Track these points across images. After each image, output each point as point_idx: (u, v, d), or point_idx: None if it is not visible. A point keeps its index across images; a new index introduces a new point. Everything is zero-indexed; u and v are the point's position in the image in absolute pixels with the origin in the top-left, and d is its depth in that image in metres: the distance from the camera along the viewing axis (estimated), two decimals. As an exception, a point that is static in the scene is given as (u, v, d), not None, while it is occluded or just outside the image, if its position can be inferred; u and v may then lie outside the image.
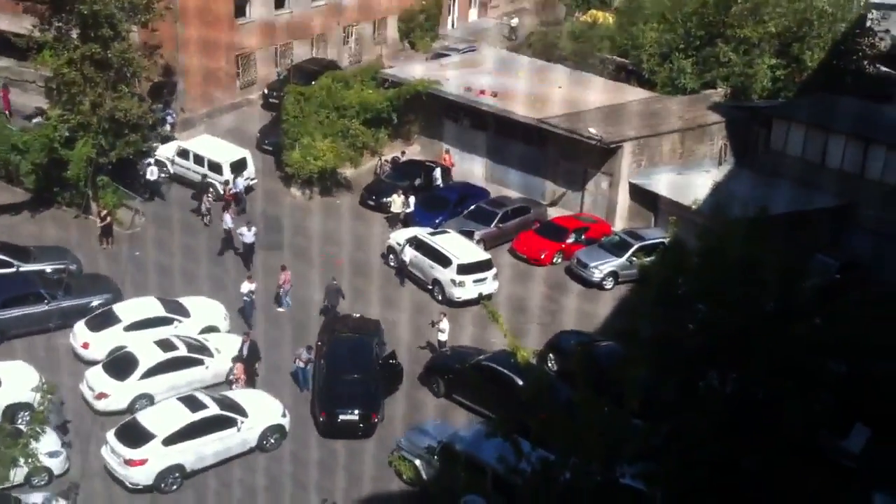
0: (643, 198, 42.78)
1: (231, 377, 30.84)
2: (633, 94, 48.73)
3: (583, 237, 40.92)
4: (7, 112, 46.25)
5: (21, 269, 34.95)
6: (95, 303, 33.84)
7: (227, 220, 39.45)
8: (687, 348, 23.60)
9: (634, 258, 37.16)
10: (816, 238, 39.16)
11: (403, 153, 47.38)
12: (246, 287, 34.47)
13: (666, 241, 33.20)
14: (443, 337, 33.76)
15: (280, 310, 35.56)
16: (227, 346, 32.04)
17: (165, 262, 37.88)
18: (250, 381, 31.12)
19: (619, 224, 42.59)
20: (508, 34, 63.91)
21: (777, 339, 22.97)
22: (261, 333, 33.97)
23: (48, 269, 35.36)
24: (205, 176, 42.64)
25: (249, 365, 31.18)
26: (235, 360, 30.84)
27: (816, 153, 42.54)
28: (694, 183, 41.83)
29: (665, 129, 44.00)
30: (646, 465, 20.36)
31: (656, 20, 54.48)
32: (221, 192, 42.01)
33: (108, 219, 39.06)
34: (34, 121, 44.88)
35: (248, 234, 37.96)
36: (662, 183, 42.43)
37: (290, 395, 31.30)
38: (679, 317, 24.53)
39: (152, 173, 42.56)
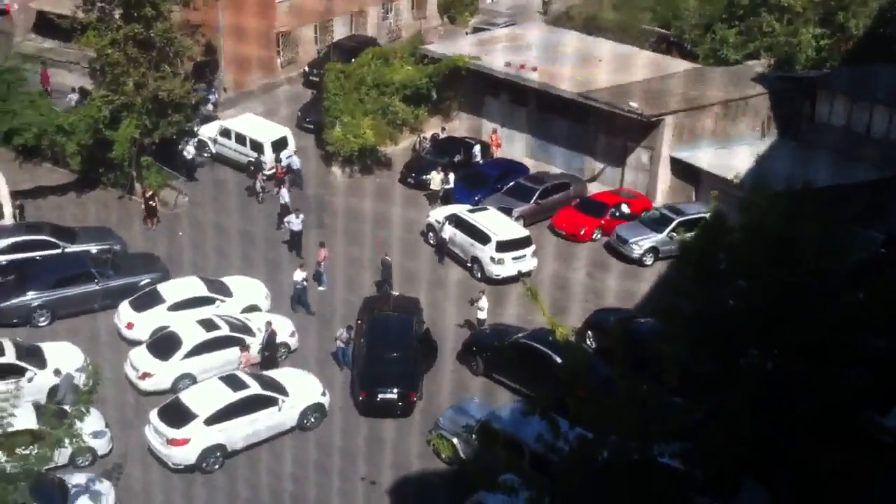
0: (684, 172, 42.33)
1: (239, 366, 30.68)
2: (675, 66, 48.05)
3: (618, 215, 40.58)
4: (47, 89, 46.90)
5: (66, 249, 35.50)
6: (145, 282, 34.29)
7: (284, 194, 39.93)
8: (726, 325, 23.43)
9: (675, 234, 36.80)
10: (861, 211, 38.50)
11: (443, 129, 47.29)
12: (299, 275, 34.27)
13: (707, 216, 32.90)
14: (482, 315, 33.78)
15: (320, 288, 35.74)
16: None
17: (208, 242, 38.27)
18: (269, 368, 31.17)
19: (660, 199, 42.22)
20: (542, 9, 63.01)
21: (817, 315, 22.74)
22: (300, 313, 34.30)
23: (93, 249, 35.91)
24: (257, 156, 42.91)
25: (269, 353, 31.21)
26: (243, 348, 30.64)
27: (861, 124, 41.81)
28: (736, 156, 41.29)
29: (707, 103, 43.41)
30: (684, 444, 20.25)
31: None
32: (272, 169, 42.42)
33: (154, 199, 39.50)
34: (68, 97, 45.45)
35: (295, 222, 37.69)
36: (704, 157, 41.96)
37: (331, 375, 31.52)
38: (719, 293, 24.35)
39: (189, 153, 42.90)
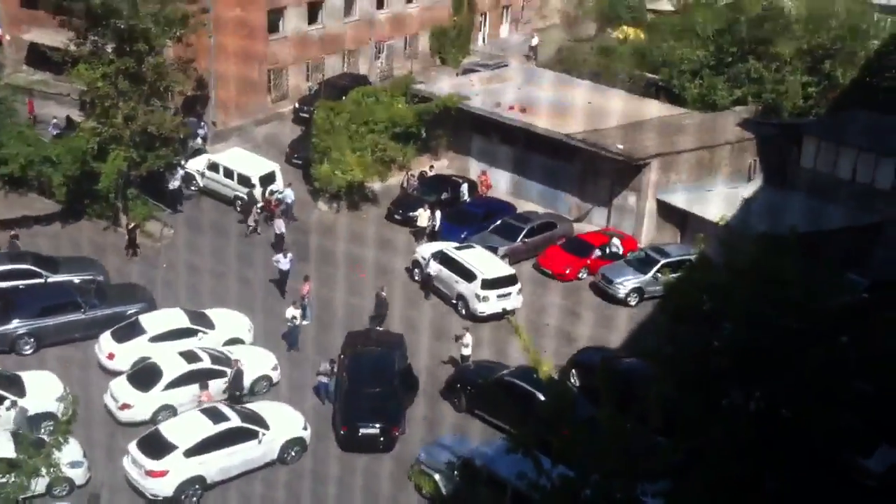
0: (670, 214, 42.54)
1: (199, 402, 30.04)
2: (663, 111, 48.52)
3: (608, 253, 40.71)
4: (32, 118, 47.16)
5: (49, 279, 35.30)
6: (131, 311, 34.11)
7: (280, 224, 40.25)
8: (711, 366, 23.40)
9: (660, 274, 36.94)
10: (846, 256, 38.68)
11: (431, 167, 47.45)
12: (290, 312, 34.06)
13: (692, 257, 32.99)
14: (466, 351, 33.69)
15: (304, 322, 35.63)
16: (250, 358, 32.13)
17: (192, 275, 38.13)
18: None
19: (646, 240, 42.36)
20: (529, 53, 63.23)
21: (802, 358, 22.73)
22: (284, 346, 34.14)
23: (76, 279, 35.70)
24: (250, 191, 42.92)
25: (236, 391, 30.73)
26: (203, 387, 30.00)
27: (846, 171, 42.19)
28: (722, 200, 41.54)
29: (693, 146, 43.74)
30: (668, 484, 20.14)
31: (687, 37, 54.28)
32: (262, 202, 42.68)
33: (134, 231, 39.37)
34: (50, 126, 45.87)
35: (283, 262, 37.41)
36: (690, 200, 42.18)
37: (312, 408, 31.29)
38: (704, 335, 24.34)
39: (173, 184, 42.90)
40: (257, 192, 43.04)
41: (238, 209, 43.17)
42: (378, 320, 35.63)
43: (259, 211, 42.20)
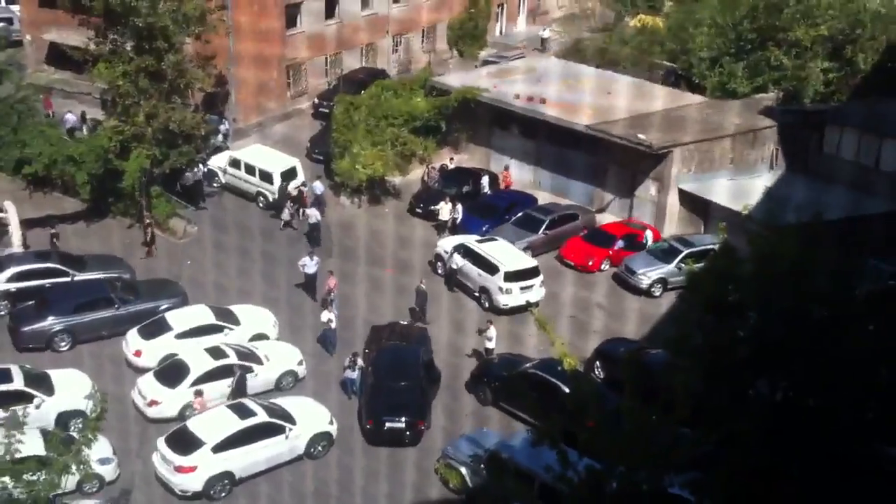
0: (693, 203, 42.40)
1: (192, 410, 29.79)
2: (684, 99, 48.35)
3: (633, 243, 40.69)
4: (51, 113, 47.78)
5: (76, 277, 35.59)
6: (164, 307, 34.42)
7: (315, 213, 40.66)
8: (736, 357, 23.35)
9: (683, 265, 36.83)
10: (870, 244, 38.46)
11: (452, 160, 47.46)
12: (325, 316, 33.93)
13: (716, 247, 32.87)
14: (490, 345, 33.74)
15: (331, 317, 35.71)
16: (276, 354, 32.33)
17: (217, 271, 38.35)
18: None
19: (669, 230, 42.24)
20: (540, 46, 62.73)
21: (829, 346, 22.66)
22: (309, 341, 34.26)
23: (95, 279, 35.95)
24: (283, 185, 43.23)
25: (235, 395, 30.30)
26: (198, 393, 29.81)
27: (870, 157, 41.93)
28: (745, 188, 41.32)
29: (715, 134, 43.57)
30: (694, 475, 20.14)
31: (707, 24, 53.98)
32: (295, 194, 43.09)
33: (152, 228, 39.61)
34: (65, 119, 46.71)
35: (310, 265, 37.08)
36: (713, 188, 42.01)
37: (338, 403, 31.44)
38: (729, 324, 24.28)
39: (187, 178, 43.20)
40: (291, 186, 43.29)
41: (260, 205, 43.50)
42: (420, 314, 35.75)
43: (292, 204, 42.38)
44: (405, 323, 34.88)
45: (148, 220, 40.00)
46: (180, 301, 35.00)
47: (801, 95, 48.76)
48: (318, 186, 43.58)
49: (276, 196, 43.13)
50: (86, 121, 47.87)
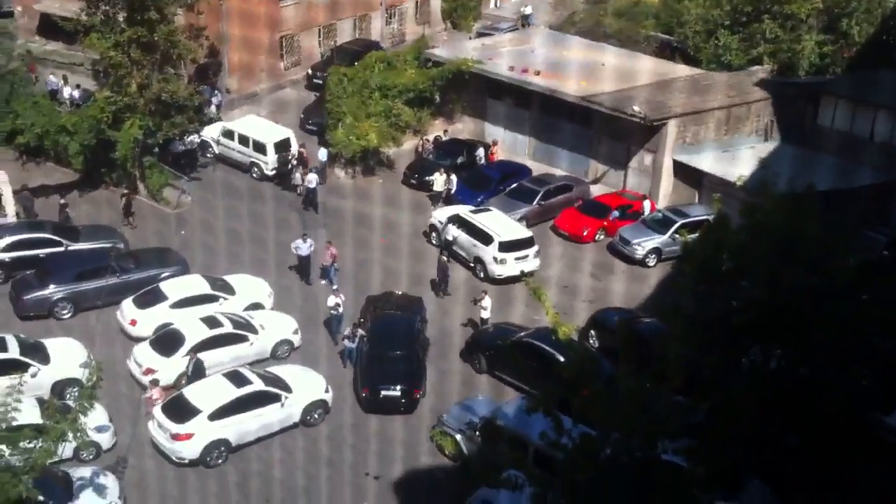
0: (687, 175, 42.42)
1: (147, 406, 28.66)
2: (678, 71, 48.26)
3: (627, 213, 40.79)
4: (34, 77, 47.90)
5: (69, 248, 35.58)
6: (165, 275, 34.44)
7: (313, 179, 40.90)
8: (730, 325, 23.47)
9: (677, 235, 36.90)
10: (864, 214, 38.61)
11: (446, 132, 47.38)
12: (332, 300, 33.17)
13: (710, 217, 32.97)
14: (485, 314, 33.83)
15: (334, 287, 35.27)
16: (271, 323, 32.42)
17: (211, 241, 38.35)
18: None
19: (663, 202, 42.28)
20: (521, 22, 61.39)
21: (821, 315, 22.78)
22: (302, 310, 34.32)
23: (96, 248, 35.92)
24: (283, 154, 43.44)
25: (192, 382, 29.29)
26: (154, 382, 28.85)
27: (864, 129, 41.94)
28: (739, 159, 41.41)
29: (710, 106, 43.52)
30: (687, 441, 20.28)
31: (701, -4, 53.85)
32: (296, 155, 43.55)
33: (127, 198, 39.58)
34: (48, 81, 46.79)
35: (303, 247, 36.11)
36: (707, 159, 42.03)
37: (333, 372, 31.55)
38: (722, 294, 24.39)
39: (175, 147, 43.19)
40: (271, 158, 43.25)
41: (254, 176, 43.64)
42: (442, 286, 35.85)
43: (295, 164, 42.70)
44: (400, 292, 34.91)
45: (125, 191, 39.83)
46: (181, 269, 35.04)
47: (795, 67, 48.74)
48: (323, 153, 43.67)
49: (278, 165, 43.17)
50: (67, 82, 47.67)
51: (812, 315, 22.82)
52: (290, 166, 42.99)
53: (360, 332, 31.68)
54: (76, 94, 47.12)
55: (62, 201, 39.18)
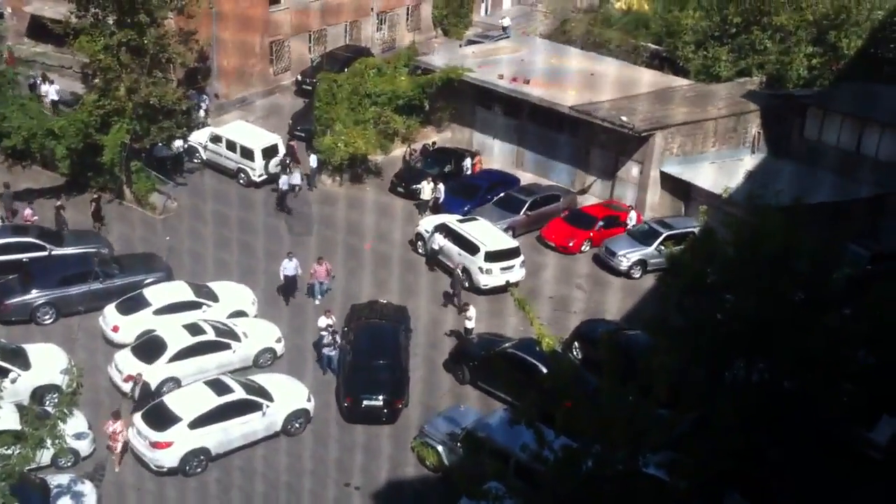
0: (674, 187, 42.43)
1: (109, 442, 27.39)
2: (667, 82, 48.33)
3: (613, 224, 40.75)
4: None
5: (53, 252, 35.34)
6: (148, 281, 34.22)
7: (295, 179, 41.39)
8: (715, 338, 23.43)
9: (663, 247, 36.86)
10: (851, 228, 38.64)
11: (434, 144, 47.23)
12: (323, 321, 32.16)
13: (696, 230, 32.96)
14: (469, 324, 33.72)
15: (317, 303, 35.23)
16: (254, 331, 32.26)
17: (196, 247, 38.15)
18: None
19: (650, 213, 42.27)
20: (505, 32, 60.67)
21: (805, 329, 22.76)
22: (286, 317, 34.15)
23: (79, 253, 35.69)
24: (285, 156, 43.65)
25: (141, 406, 28.31)
26: (115, 414, 27.40)
27: (852, 142, 42.07)
28: (726, 171, 41.45)
29: (698, 118, 43.56)
30: (670, 455, 20.23)
31: (692, 7, 53.97)
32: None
33: (97, 201, 39.31)
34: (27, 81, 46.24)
35: (289, 267, 35.22)
36: (694, 171, 42.06)
37: (315, 380, 31.39)
38: (707, 306, 24.36)
39: (159, 150, 43.04)
40: (259, 164, 43.14)
41: (241, 182, 43.42)
42: (456, 298, 35.70)
43: (288, 161, 42.99)
44: (385, 301, 34.79)
45: (95, 195, 39.59)
46: (164, 276, 34.83)
47: (784, 80, 48.90)
48: (314, 159, 43.65)
49: (271, 170, 43.20)
50: (46, 79, 47.43)
51: (797, 328, 22.80)
52: (286, 167, 42.88)
53: (338, 339, 31.48)
54: (52, 89, 46.95)
55: (58, 203, 38.92)
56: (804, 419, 23.09)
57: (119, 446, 27.41)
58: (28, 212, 38.33)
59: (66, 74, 49.37)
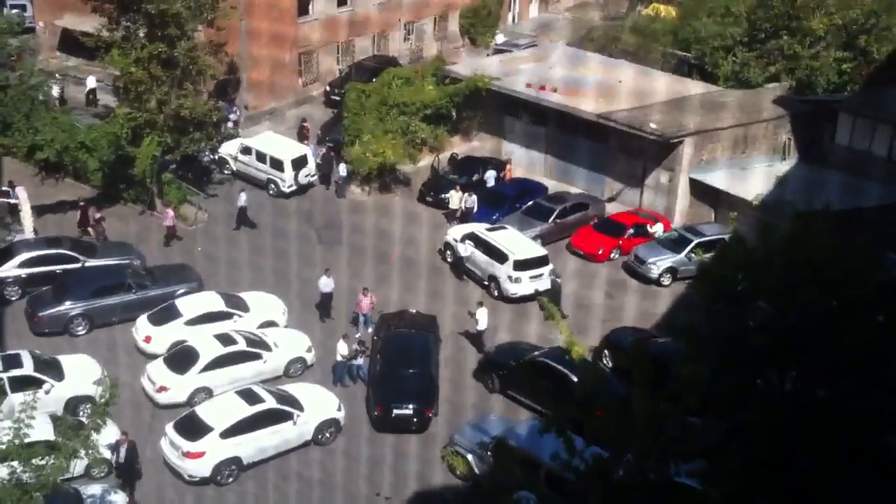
0: (703, 193, 42.24)
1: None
2: (696, 89, 48.10)
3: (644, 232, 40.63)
4: None
5: (86, 264, 35.69)
6: (181, 292, 34.51)
7: (243, 197, 41.10)
8: (746, 345, 23.27)
9: (693, 254, 36.72)
10: (883, 234, 38.26)
11: (456, 155, 47.16)
12: (342, 347, 31.75)
13: (726, 237, 32.80)
14: (480, 327, 33.63)
15: (357, 335, 33.72)
16: (285, 341, 32.42)
17: (227, 258, 38.40)
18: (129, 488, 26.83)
19: (679, 220, 42.10)
20: (530, 42, 60.16)
21: (838, 337, 22.56)
22: (317, 329, 34.30)
23: (112, 264, 36.05)
24: (329, 150, 45.14)
25: (126, 471, 27.04)
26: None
27: (883, 148, 41.65)
28: (756, 178, 41.22)
29: (727, 124, 43.36)
30: (701, 464, 20.10)
31: (720, 13, 53.74)
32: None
33: (83, 208, 39.54)
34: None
35: (326, 282, 34.91)
36: (724, 178, 41.85)
37: (345, 390, 31.52)
38: (739, 314, 24.19)
39: (203, 159, 43.94)
40: (289, 175, 43.39)
41: (271, 193, 43.62)
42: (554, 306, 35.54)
43: (341, 171, 43.94)
44: (414, 311, 34.85)
45: (82, 203, 39.78)
46: (196, 286, 35.12)
47: (814, 85, 48.53)
48: (343, 168, 43.96)
49: (301, 181, 43.82)
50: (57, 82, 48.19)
51: (828, 337, 22.60)
52: (331, 162, 44.12)
53: (361, 347, 31.60)
54: (92, 79, 48.18)
55: (98, 215, 39.33)
56: (837, 428, 22.86)
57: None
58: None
59: (98, 87, 49.94)
